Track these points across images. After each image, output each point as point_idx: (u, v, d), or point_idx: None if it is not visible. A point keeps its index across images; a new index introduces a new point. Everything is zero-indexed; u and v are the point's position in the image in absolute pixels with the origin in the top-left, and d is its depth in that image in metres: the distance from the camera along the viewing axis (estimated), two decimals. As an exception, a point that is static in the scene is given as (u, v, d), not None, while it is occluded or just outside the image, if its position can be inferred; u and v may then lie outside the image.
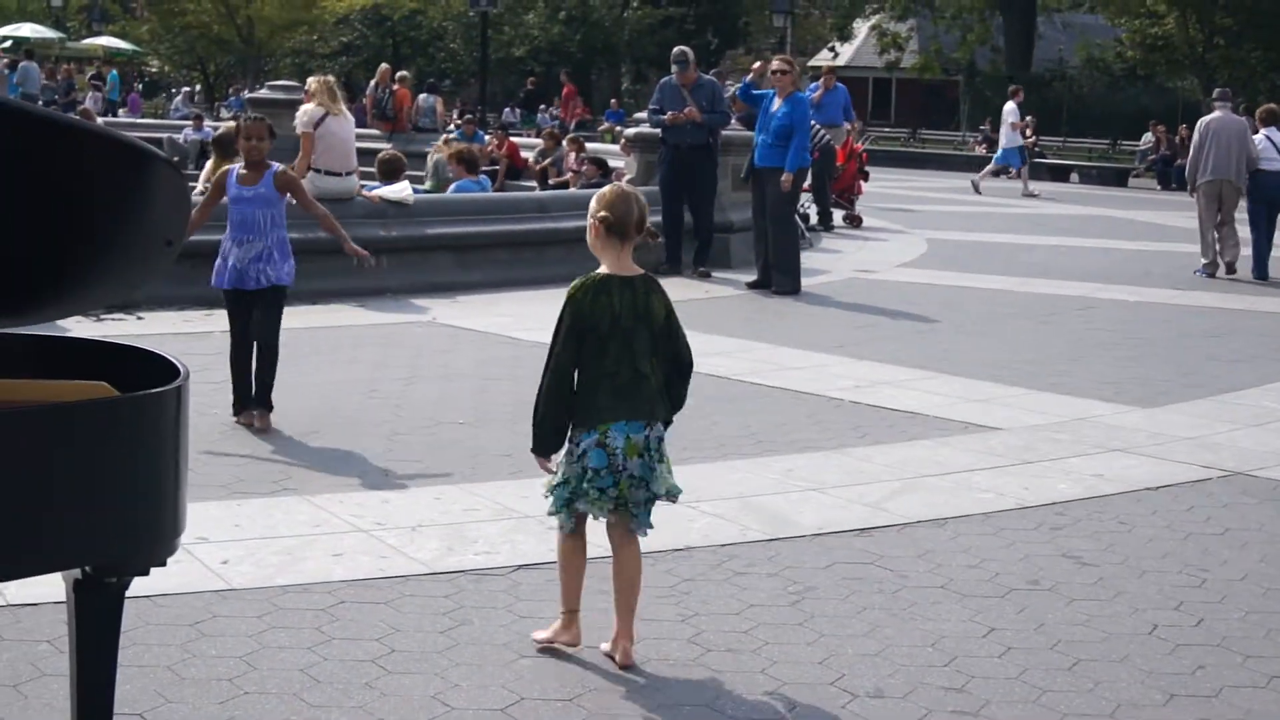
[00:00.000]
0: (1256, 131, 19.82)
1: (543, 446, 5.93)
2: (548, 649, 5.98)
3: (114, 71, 40.52)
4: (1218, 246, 19.45)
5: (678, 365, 6.00)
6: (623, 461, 5.79)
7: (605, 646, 5.98)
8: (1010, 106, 33.02)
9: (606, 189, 6.13)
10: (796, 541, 7.53)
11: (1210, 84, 43.06)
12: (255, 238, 9.56)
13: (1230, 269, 19.39)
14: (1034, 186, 33.83)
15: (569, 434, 5.90)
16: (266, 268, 9.55)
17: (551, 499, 5.95)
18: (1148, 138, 40.94)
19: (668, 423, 6.00)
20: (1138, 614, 6.60)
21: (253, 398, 9.63)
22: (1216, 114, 19.79)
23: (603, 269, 5.93)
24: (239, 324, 9.73)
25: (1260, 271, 19.26)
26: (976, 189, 32.61)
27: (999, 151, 34.35)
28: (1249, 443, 9.99)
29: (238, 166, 9.80)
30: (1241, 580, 7.14)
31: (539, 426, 5.89)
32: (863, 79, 63.93)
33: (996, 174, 34.47)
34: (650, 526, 5.99)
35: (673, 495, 6.01)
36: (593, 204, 6.00)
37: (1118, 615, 6.58)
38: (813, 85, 26.44)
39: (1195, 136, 20.02)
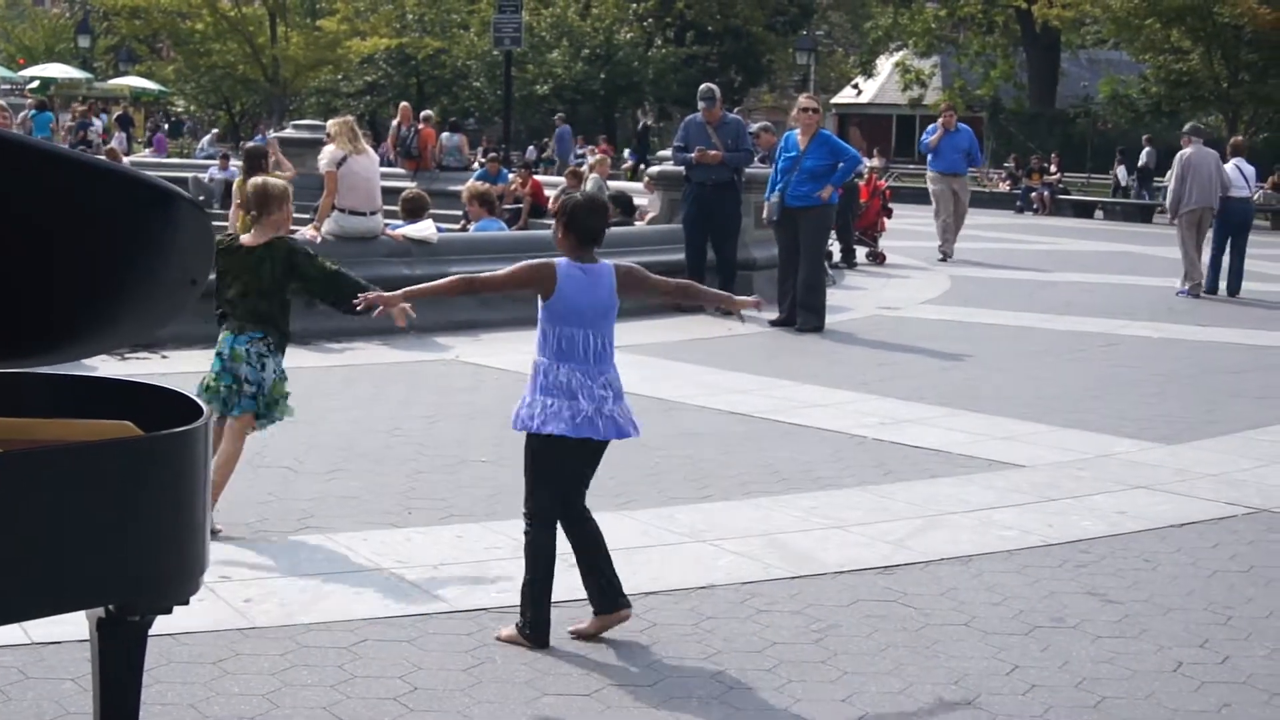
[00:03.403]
0: (1226, 161, 21.63)
1: None
2: None
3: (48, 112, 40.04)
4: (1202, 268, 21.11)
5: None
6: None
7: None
8: None
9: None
10: (819, 579, 7.52)
11: (1234, 120, 43.04)
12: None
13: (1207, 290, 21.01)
14: (1055, 222, 33.75)
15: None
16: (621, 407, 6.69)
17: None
18: (1171, 174, 40.95)
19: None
20: (1162, 652, 6.58)
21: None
22: (1192, 148, 21.23)
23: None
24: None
25: (1212, 285, 21.15)
26: None
27: None
28: (1274, 479, 9.94)
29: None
30: (1266, 618, 7.11)
31: None
32: (886, 115, 63.99)
33: None
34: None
35: None
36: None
37: (1142, 653, 6.56)
38: (931, 126, 25.81)
39: (1175, 169, 21.48)
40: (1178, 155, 21.64)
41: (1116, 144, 46.88)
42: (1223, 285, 21.17)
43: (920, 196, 42.50)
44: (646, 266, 18.32)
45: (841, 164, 16.53)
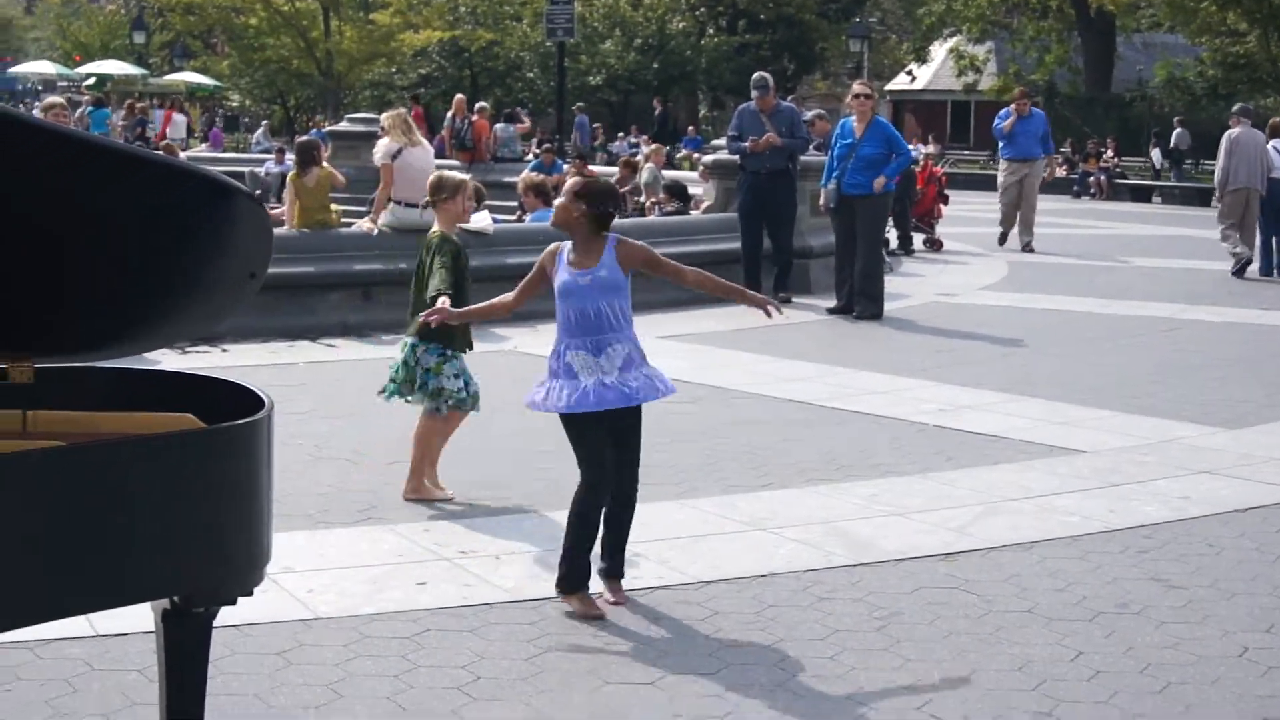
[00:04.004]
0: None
1: None
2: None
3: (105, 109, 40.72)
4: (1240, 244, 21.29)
5: None
6: None
7: None
8: None
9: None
10: (881, 566, 7.50)
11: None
12: (615, 339, 6.90)
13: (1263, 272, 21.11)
14: (1113, 207, 33.51)
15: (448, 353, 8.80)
16: (650, 376, 6.94)
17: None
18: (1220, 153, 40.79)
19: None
20: (1228, 637, 6.53)
21: (607, 563, 7.06)
22: (1239, 129, 21.44)
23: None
24: (608, 454, 7.00)
25: (1266, 268, 21.10)
26: None
27: None
28: (1339, 463, 9.87)
29: (567, 247, 7.04)
30: (1333, 602, 7.06)
31: None
32: (941, 102, 63.77)
33: None
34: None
35: None
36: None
37: (1208, 638, 6.51)
38: (1003, 111, 25.00)
39: (1223, 146, 21.59)
40: (1225, 134, 21.78)
41: (1171, 127, 46.56)
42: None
43: (975, 183, 42.46)
44: (701, 256, 18.42)
45: (895, 157, 16.47)
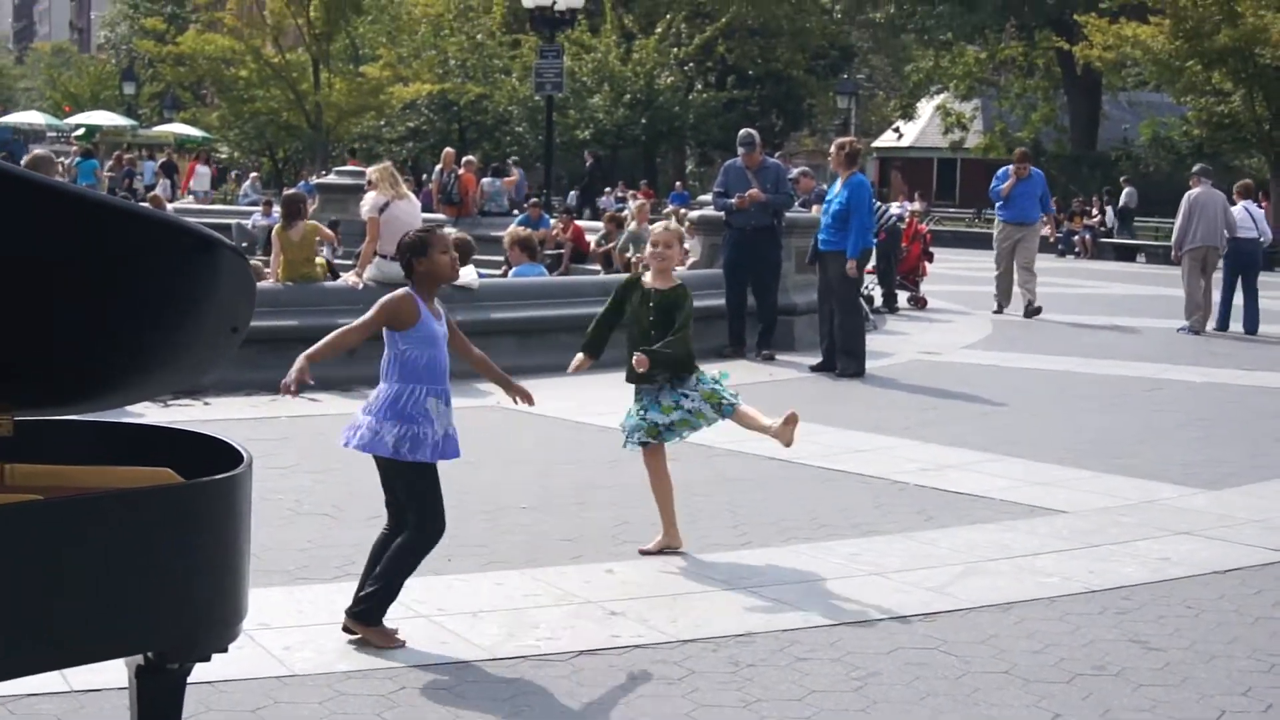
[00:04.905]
0: (1234, 204, 22.41)
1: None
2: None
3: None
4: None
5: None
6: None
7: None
8: None
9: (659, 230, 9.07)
10: (859, 627, 7.49)
11: (1277, 162, 42.84)
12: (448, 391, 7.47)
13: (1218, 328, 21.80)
14: (1097, 266, 33.65)
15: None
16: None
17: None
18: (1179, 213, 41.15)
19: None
20: (1205, 700, 6.53)
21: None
22: (1200, 189, 22.00)
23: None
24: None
25: (1252, 327, 21.66)
26: None
27: None
28: (1318, 525, 9.88)
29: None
30: (1311, 666, 7.06)
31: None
32: (927, 159, 64.02)
33: None
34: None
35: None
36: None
37: (1185, 701, 6.51)
38: (1001, 172, 23.95)
39: (1183, 207, 22.18)
40: (1186, 195, 22.26)
41: (1163, 187, 46.78)
42: (1236, 326, 21.65)
43: (961, 240, 42.58)
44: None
45: (853, 223, 16.25)
